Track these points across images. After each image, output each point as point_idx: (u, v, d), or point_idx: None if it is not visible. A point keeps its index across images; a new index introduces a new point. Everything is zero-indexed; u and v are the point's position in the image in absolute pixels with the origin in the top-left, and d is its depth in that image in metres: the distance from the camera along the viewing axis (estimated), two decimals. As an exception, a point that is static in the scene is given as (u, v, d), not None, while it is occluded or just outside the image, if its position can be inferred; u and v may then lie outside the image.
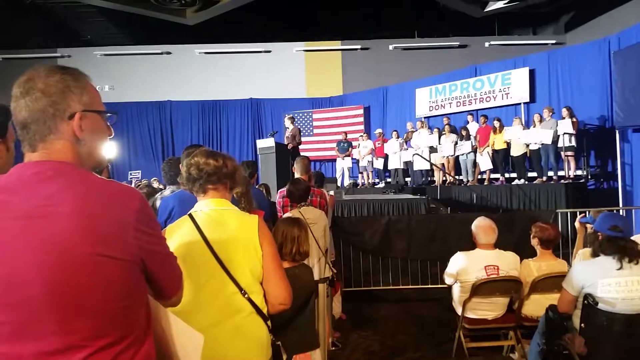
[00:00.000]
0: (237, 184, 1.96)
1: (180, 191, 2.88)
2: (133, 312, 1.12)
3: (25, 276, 1.01)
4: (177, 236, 1.75)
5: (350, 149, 12.56)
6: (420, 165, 11.28)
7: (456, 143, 10.82)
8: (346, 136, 12.87)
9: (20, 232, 1.01)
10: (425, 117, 13.15)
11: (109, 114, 1.23)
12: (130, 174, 14.36)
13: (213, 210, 1.81)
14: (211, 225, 1.75)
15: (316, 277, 3.37)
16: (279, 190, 4.54)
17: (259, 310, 1.74)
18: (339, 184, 11.79)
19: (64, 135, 1.12)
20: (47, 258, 1.01)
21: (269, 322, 1.79)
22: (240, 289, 1.71)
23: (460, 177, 10.89)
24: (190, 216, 1.79)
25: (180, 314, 1.37)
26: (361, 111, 14.75)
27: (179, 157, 3.79)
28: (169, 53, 15.65)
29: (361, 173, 12.87)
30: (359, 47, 15.43)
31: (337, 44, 15.61)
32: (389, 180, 12.65)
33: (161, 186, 9.64)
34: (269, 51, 15.64)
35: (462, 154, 10.64)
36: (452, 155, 10.89)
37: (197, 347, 1.30)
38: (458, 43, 14.81)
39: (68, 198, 1.03)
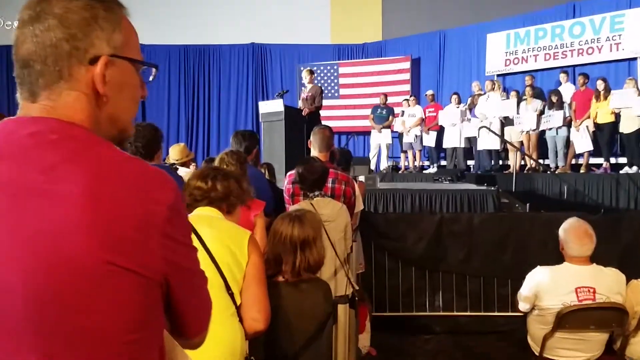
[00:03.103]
0: (234, 207, 2.45)
1: None
2: (142, 350, 1.07)
3: (3, 275, 0.96)
4: None
5: (391, 117, 12.50)
6: (488, 143, 11.16)
7: (542, 113, 10.66)
8: (386, 99, 12.81)
9: (5, 213, 0.97)
10: (498, 75, 12.99)
11: (145, 66, 1.20)
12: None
13: (208, 216, 2.35)
14: (206, 225, 2.24)
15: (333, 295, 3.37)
16: (288, 174, 4.53)
17: (239, 313, 2.16)
18: (372, 166, 11.75)
19: (79, 85, 1.07)
20: (38, 255, 0.95)
21: (244, 330, 2.18)
22: (228, 288, 2.13)
23: (547, 162, 10.75)
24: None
25: None
26: (407, 64, 14.63)
27: (150, 123, 3.84)
28: (140, -22, 15.71)
29: (405, 152, 12.83)
30: (407, -27, 15.26)
31: (376, -31, 15.48)
32: (443, 163, 12.58)
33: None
34: (280, -23, 15.59)
35: (551, 129, 10.48)
36: (535, 130, 10.73)
37: None
38: (549, -30, 14.51)
39: (76, 175, 0.97)
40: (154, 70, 1.23)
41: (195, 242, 1.88)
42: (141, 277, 1.01)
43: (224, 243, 2.18)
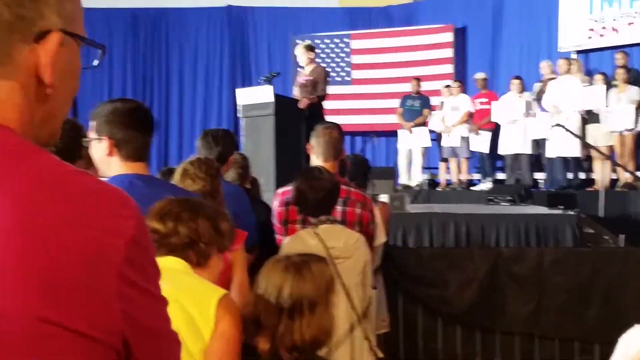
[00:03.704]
0: (205, 257, 2.42)
1: None
2: None
3: None
4: None
5: (426, 111, 12.55)
6: (564, 148, 11.14)
7: (640, 106, 10.69)
8: (419, 86, 12.84)
9: None
10: (577, 52, 13.03)
11: (86, 46, 1.21)
12: None
13: (169, 269, 2.19)
14: (162, 280, 2.12)
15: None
16: (280, 191, 4.54)
17: None
18: (401, 181, 11.76)
19: (18, 71, 1.06)
20: None
21: None
22: None
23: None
24: None
25: None
26: (449, 36, 14.68)
27: (69, 118, 3.81)
28: None
29: (446, 160, 12.87)
30: None
31: None
32: (500, 176, 12.59)
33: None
34: None
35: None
36: (631, 130, 10.74)
37: None
38: None
39: (3, 200, 0.98)
40: (99, 53, 1.24)
41: None
42: (89, 340, 0.99)
43: (179, 304, 2.14)
